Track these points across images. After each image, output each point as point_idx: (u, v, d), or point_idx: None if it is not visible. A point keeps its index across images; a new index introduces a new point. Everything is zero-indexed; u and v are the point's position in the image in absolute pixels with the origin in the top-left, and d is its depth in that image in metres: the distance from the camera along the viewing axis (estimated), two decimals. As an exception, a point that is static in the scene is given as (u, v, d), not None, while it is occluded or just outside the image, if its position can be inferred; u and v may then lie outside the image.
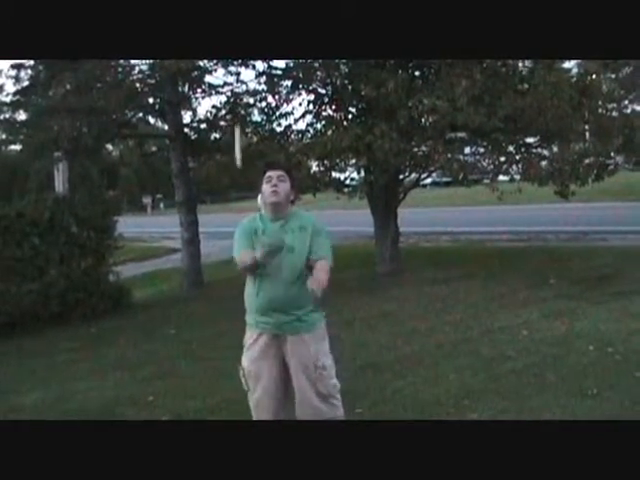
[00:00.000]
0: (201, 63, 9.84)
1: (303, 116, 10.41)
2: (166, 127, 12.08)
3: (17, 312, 8.51)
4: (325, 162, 9.85)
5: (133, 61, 10.18)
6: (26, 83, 10.38)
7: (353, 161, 9.76)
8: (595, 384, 4.41)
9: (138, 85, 10.49)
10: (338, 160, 9.81)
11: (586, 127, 9.60)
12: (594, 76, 9.31)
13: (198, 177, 11.87)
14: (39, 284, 8.72)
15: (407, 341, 6.18)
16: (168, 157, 12.01)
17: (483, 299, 7.75)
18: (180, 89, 11.14)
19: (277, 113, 10.38)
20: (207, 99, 14.92)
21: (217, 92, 10.98)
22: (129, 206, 43.84)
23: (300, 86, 10.17)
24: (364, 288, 9.23)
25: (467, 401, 4.39)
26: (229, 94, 10.71)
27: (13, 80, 10.27)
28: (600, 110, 9.53)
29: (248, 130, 10.59)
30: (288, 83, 10.23)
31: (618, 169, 10.03)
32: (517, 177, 9.85)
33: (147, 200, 49.07)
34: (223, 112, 10.69)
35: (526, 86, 8.88)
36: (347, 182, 10.78)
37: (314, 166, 10.18)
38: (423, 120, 9.19)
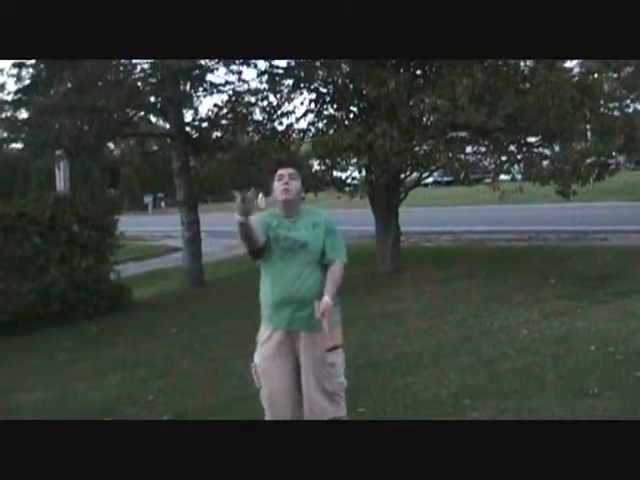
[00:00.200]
0: (202, 62, 9.84)
1: (304, 115, 10.43)
2: (167, 126, 12.10)
3: (18, 311, 8.53)
4: (326, 161, 9.87)
5: (134, 60, 10.19)
6: (27, 82, 10.40)
7: (354, 160, 9.77)
8: (596, 384, 4.40)
9: (139, 84, 10.50)
10: (339, 159, 9.83)
11: (587, 126, 9.57)
12: (595, 75, 9.31)
13: (199, 176, 11.86)
14: (40, 283, 8.73)
15: (408, 340, 6.19)
16: (169, 156, 12.02)
17: (484, 298, 7.75)
18: (181, 88, 11.13)
19: (278, 112, 10.39)
20: (208, 98, 14.92)
21: (219, 91, 11.00)
22: (130, 205, 43.71)
23: (301, 85, 10.18)
24: (365, 287, 9.22)
25: (467, 400, 4.39)
26: (231, 93, 10.75)
27: (14, 79, 10.30)
28: (601, 109, 9.51)
29: (249, 129, 10.59)
30: (289, 82, 10.25)
31: (619, 168, 10.02)
32: (518, 176, 9.86)
33: (148, 199, 48.92)
34: (225, 111, 10.71)
35: (527, 85, 8.88)
36: (348, 181, 10.79)
37: (315, 165, 10.19)
38: (424, 119, 9.21)
